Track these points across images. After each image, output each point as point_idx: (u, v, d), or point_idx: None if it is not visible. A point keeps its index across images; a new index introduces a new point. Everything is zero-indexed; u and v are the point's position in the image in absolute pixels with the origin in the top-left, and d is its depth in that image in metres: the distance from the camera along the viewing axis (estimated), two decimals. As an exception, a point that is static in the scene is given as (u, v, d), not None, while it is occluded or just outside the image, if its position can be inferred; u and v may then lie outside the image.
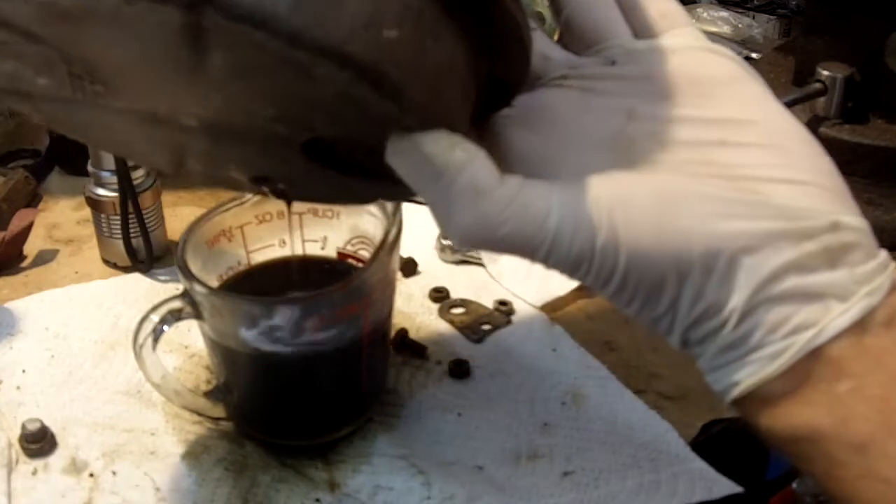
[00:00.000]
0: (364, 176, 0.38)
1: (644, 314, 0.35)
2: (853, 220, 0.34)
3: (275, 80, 0.31)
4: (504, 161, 0.36)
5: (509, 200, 0.33)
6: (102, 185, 0.66)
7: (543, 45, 0.37)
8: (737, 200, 0.33)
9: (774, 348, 0.33)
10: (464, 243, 0.35)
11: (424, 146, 0.33)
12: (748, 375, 0.33)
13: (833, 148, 0.37)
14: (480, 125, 0.37)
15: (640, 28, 0.37)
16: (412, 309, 0.64)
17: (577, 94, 0.36)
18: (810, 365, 0.33)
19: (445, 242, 0.68)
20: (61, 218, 0.75)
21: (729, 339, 0.33)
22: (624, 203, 0.33)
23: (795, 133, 0.35)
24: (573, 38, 0.38)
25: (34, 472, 0.51)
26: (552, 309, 0.64)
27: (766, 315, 0.33)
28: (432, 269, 0.68)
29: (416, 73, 0.31)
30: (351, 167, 0.38)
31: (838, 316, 0.32)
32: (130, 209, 0.65)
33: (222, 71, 0.31)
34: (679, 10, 0.38)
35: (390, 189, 0.37)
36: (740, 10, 1.06)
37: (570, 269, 0.34)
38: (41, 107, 0.38)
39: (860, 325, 0.33)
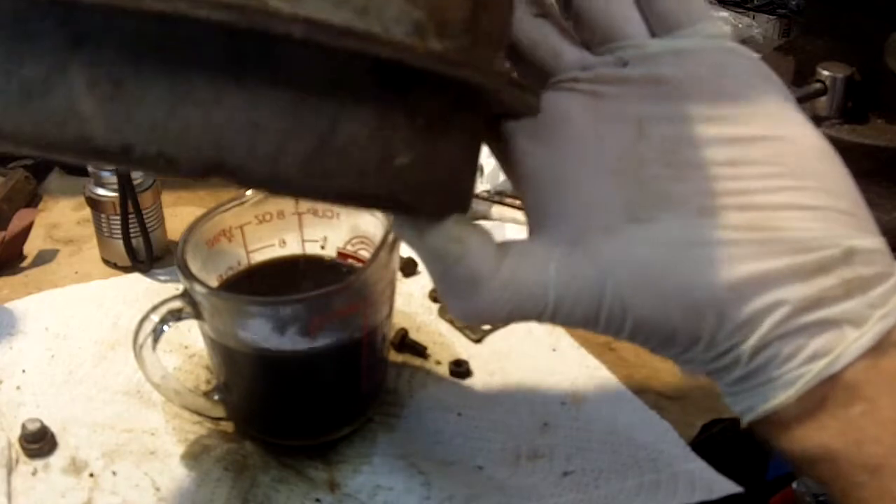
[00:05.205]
0: None
1: (658, 353, 0.35)
2: (869, 241, 0.33)
3: None
4: (513, 174, 0.36)
5: (505, 285, 0.33)
6: (102, 185, 0.66)
7: (555, 42, 0.36)
8: (745, 241, 0.32)
9: (788, 377, 0.33)
10: (465, 322, 0.36)
11: (426, 241, 0.33)
12: (762, 402, 0.34)
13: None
14: (492, 129, 0.36)
15: (658, 20, 0.35)
16: (412, 309, 0.64)
17: (587, 99, 0.35)
18: (825, 390, 0.33)
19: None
20: (61, 218, 0.75)
21: (743, 372, 0.33)
22: (628, 263, 0.33)
23: (810, 148, 0.34)
24: (584, 31, 0.36)
25: (34, 472, 0.51)
26: (552, 309, 0.64)
27: (780, 348, 0.32)
28: (432, 269, 0.68)
29: (430, 183, 0.31)
30: None
31: (853, 343, 0.32)
32: (130, 209, 0.65)
33: None
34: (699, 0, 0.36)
35: None
36: (740, 10, 1.06)
37: (577, 327, 0.35)
38: None
39: (876, 349, 0.32)
